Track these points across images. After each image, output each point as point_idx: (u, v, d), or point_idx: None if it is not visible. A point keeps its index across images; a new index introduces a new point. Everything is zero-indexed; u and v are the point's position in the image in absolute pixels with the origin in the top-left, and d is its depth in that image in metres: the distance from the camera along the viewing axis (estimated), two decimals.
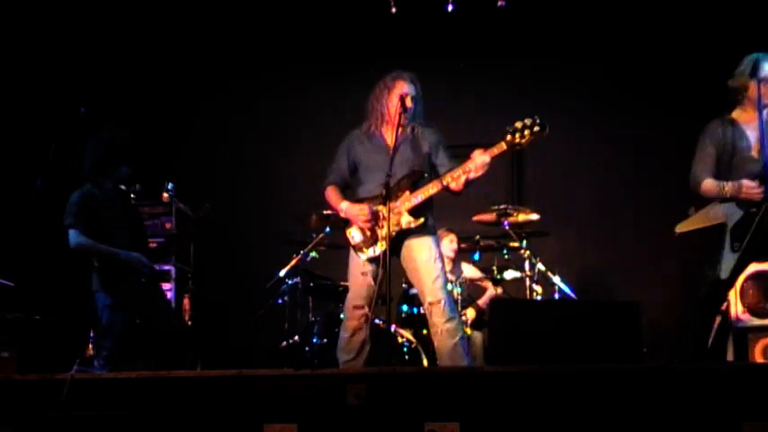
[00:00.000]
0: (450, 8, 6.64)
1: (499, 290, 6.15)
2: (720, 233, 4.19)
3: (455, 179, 4.21)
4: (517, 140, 4.12)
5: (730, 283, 4.25)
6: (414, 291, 5.40)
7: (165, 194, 4.95)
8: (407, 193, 4.28)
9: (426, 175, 4.35)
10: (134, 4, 6.98)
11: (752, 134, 4.27)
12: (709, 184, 4.24)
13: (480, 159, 4.13)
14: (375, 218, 4.30)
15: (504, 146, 4.15)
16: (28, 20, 6.62)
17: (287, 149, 7.29)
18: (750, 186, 4.10)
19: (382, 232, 4.26)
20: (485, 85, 7.26)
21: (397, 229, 4.24)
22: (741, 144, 4.25)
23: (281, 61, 7.43)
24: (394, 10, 6.68)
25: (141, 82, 7.10)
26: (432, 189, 4.27)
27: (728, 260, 4.12)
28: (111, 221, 4.54)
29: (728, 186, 4.16)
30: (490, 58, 7.20)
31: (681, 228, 4.36)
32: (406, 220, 4.27)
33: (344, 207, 4.38)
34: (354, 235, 4.37)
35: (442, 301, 4.25)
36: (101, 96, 6.48)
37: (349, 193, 4.54)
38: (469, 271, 6.26)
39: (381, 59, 7.06)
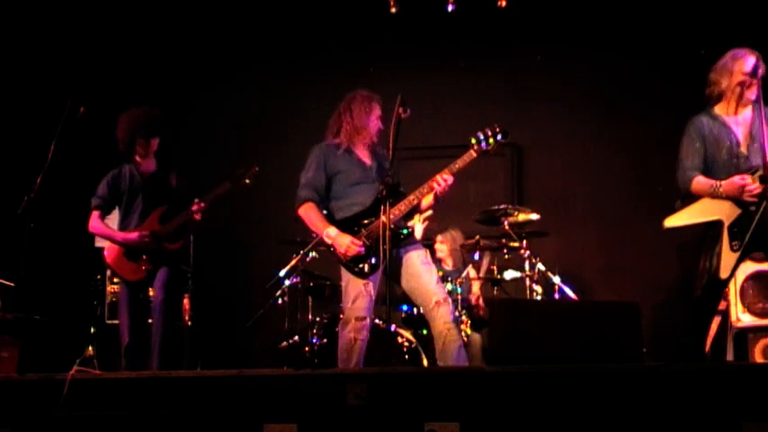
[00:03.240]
0: (450, 8, 6.63)
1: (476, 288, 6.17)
2: (717, 231, 4.13)
3: (429, 191, 4.33)
4: (485, 148, 4.34)
5: (728, 281, 4.23)
6: None
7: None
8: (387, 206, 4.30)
9: (402, 189, 4.43)
10: (130, 2, 6.97)
11: (738, 129, 4.23)
12: (700, 183, 4.18)
13: (443, 179, 4.28)
14: (366, 248, 4.33)
15: (473, 154, 4.35)
16: (27, 19, 6.62)
17: (287, 149, 7.27)
18: (749, 185, 4.05)
19: (374, 246, 4.31)
20: (485, 85, 7.26)
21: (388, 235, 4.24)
22: (729, 140, 4.20)
23: (281, 61, 7.43)
24: (394, 10, 6.68)
25: (140, 80, 7.09)
26: (413, 200, 4.35)
27: (728, 259, 4.08)
28: (136, 202, 4.80)
29: (723, 186, 4.10)
30: (490, 58, 7.20)
31: (670, 222, 4.26)
32: (397, 232, 4.30)
33: (333, 235, 4.37)
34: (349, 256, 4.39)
35: (449, 301, 4.29)
36: (98, 97, 6.47)
37: (325, 204, 4.55)
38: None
39: (381, 59, 7.10)
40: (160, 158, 4.94)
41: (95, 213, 4.83)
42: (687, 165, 4.24)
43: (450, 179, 4.30)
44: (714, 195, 4.13)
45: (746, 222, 4.07)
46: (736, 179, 4.08)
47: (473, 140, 4.34)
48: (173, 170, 4.97)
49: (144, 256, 4.70)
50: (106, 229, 4.82)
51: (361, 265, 4.36)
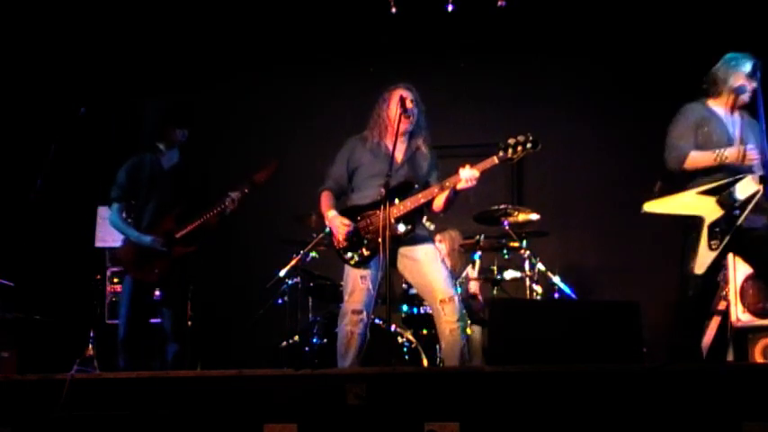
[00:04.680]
0: (450, 8, 6.63)
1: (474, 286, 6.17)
2: (697, 227, 4.15)
3: (444, 189, 4.30)
4: (509, 156, 4.22)
5: (709, 278, 4.22)
6: (414, 291, 5.40)
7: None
8: (396, 201, 4.31)
9: (417, 186, 4.42)
10: (134, 2, 6.97)
11: (733, 129, 4.26)
12: (697, 156, 4.18)
13: (470, 173, 4.21)
14: (357, 235, 4.35)
15: (495, 160, 4.24)
16: (27, 19, 6.62)
17: (287, 149, 7.28)
18: (750, 152, 4.09)
19: (369, 237, 4.33)
20: (485, 85, 7.26)
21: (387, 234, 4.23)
22: (722, 137, 4.23)
23: (280, 61, 7.43)
24: (394, 10, 6.68)
25: (138, 81, 7.09)
26: (421, 198, 4.33)
27: (704, 257, 4.10)
28: (154, 192, 4.67)
29: (729, 152, 4.12)
30: (490, 58, 7.20)
31: (650, 207, 4.29)
32: (395, 228, 4.28)
33: (330, 216, 4.44)
34: (340, 239, 4.42)
35: (456, 299, 4.28)
36: (97, 97, 6.48)
37: (343, 198, 4.58)
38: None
39: (381, 59, 7.10)
40: (183, 151, 4.80)
41: (115, 207, 4.70)
42: (682, 144, 4.22)
43: (477, 174, 4.20)
44: (715, 163, 4.13)
45: (728, 224, 4.09)
46: (735, 148, 4.12)
47: (500, 146, 4.23)
48: (193, 163, 4.84)
49: (157, 261, 4.59)
50: (123, 225, 4.69)
51: (350, 255, 4.37)
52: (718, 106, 4.33)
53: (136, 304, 4.64)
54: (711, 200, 4.13)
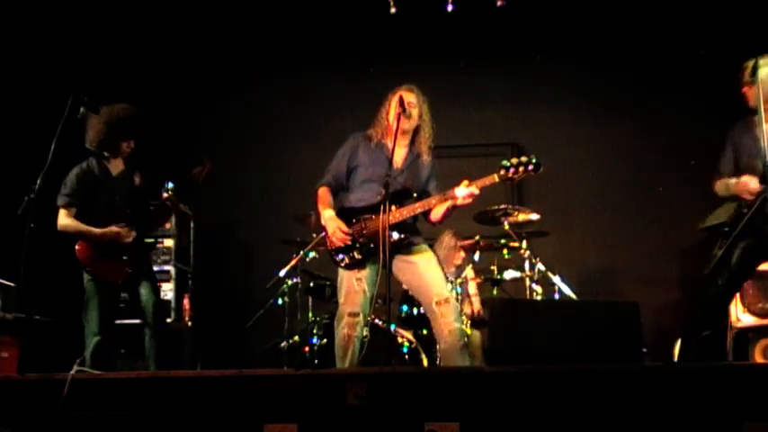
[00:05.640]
0: (450, 8, 6.64)
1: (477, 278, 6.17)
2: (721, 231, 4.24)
3: (441, 201, 4.31)
4: (510, 175, 4.22)
5: (733, 282, 4.24)
6: None
7: (165, 194, 4.93)
8: (394, 208, 4.30)
9: (415, 195, 4.42)
10: (128, 3, 6.98)
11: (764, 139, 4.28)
12: (718, 185, 4.31)
13: (468, 190, 4.22)
14: (352, 238, 4.35)
15: (495, 178, 4.24)
16: (26, 18, 6.62)
17: (287, 149, 7.29)
18: (746, 182, 4.12)
19: (362, 241, 4.33)
20: (485, 85, 7.26)
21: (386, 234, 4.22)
22: (755, 149, 4.22)
23: (280, 61, 7.43)
24: (394, 10, 6.68)
25: (139, 80, 7.08)
26: (418, 208, 4.34)
27: (714, 256, 4.15)
28: (104, 198, 4.66)
29: (733, 183, 4.19)
30: (490, 58, 7.21)
31: (702, 225, 4.43)
32: (390, 235, 4.25)
33: (327, 216, 4.43)
34: (333, 241, 4.42)
35: (451, 300, 4.28)
36: (99, 96, 6.46)
37: (341, 194, 4.58)
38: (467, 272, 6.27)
39: (381, 59, 7.11)
40: (129, 157, 4.85)
41: (65, 212, 4.63)
42: (718, 169, 4.35)
43: (476, 191, 4.24)
44: (729, 192, 4.24)
45: (737, 223, 4.12)
46: (745, 178, 4.16)
47: (502, 164, 4.22)
48: (137, 170, 4.85)
49: (124, 257, 4.58)
50: (80, 225, 4.61)
51: (341, 257, 4.38)
52: (758, 120, 4.27)
53: (108, 307, 4.59)
54: (733, 205, 4.23)
